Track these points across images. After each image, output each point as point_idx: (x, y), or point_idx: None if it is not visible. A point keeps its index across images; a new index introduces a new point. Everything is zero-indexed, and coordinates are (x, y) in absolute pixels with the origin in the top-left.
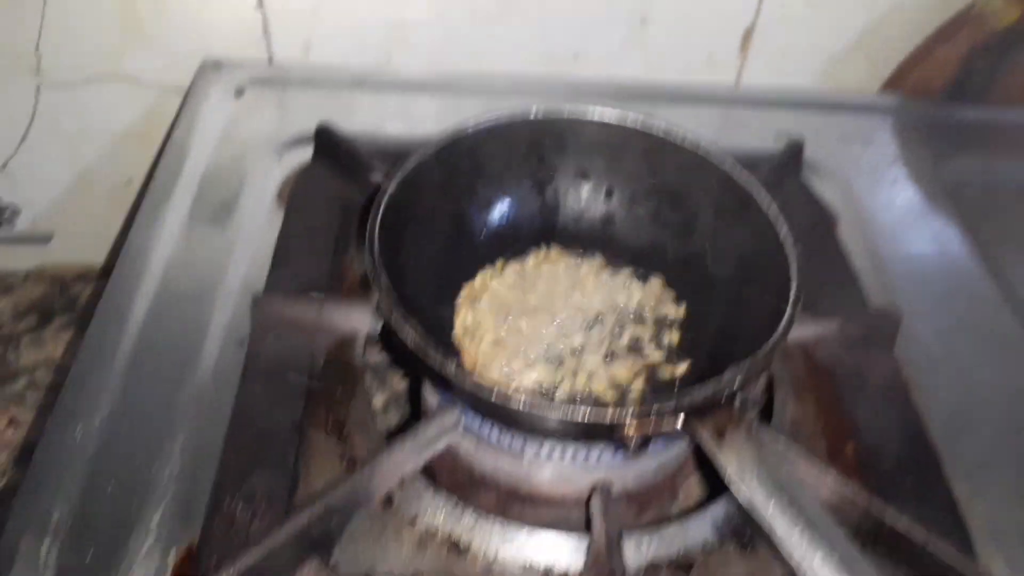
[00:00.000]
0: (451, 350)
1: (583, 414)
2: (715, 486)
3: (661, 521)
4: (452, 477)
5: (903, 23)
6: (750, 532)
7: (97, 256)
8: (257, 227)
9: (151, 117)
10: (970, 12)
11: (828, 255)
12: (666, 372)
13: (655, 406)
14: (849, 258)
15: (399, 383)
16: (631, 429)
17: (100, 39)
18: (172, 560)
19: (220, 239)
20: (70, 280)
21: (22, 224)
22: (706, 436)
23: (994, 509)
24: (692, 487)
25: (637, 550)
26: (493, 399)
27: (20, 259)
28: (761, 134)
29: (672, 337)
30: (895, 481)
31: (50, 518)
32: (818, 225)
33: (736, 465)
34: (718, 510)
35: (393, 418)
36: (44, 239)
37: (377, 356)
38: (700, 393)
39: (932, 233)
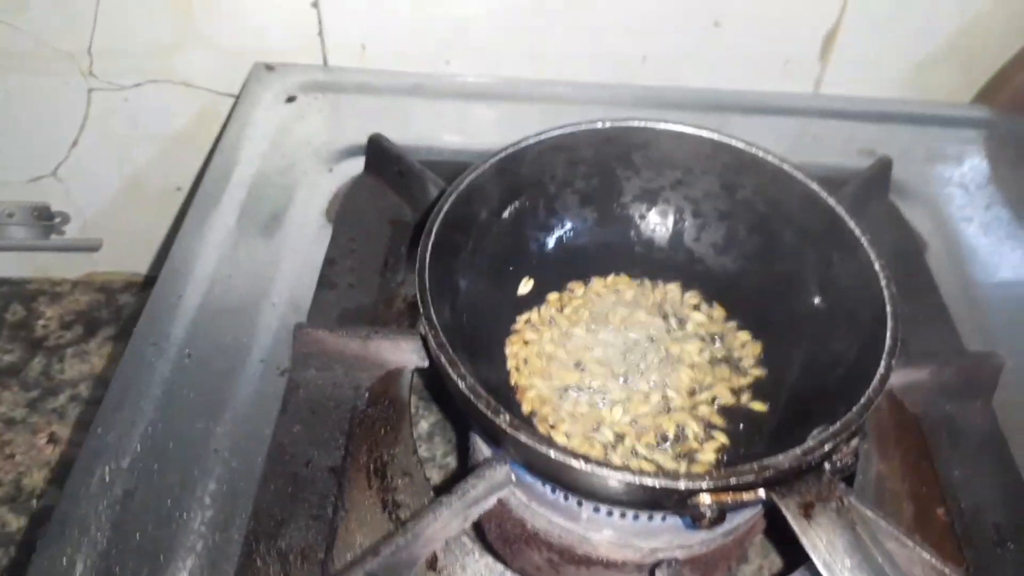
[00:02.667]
0: (505, 391)
1: (652, 483)
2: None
3: None
4: (501, 531)
5: (1000, 27)
6: None
7: (144, 265)
8: (304, 243)
9: (202, 121)
10: None
11: (917, 287)
12: (740, 402)
13: (733, 476)
14: (940, 291)
15: (448, 425)
16: (707, 499)
17: (152, 40)
18: None
19: (266, 254)
20: (117, 289)
21: (72, 232)
22: (792, 511)
23: None
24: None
25: None
26: (551, 457)
27: (69, 267)
28: (841, 148)
29: (748, 378)
30: (993, 554)
31: (73, 573)
32: (906, 252)
33: (826, 548)
34: None
35: (440, 462)
36: (93, 247)
37: (424, 393)
38: (784, 460)
39: None
